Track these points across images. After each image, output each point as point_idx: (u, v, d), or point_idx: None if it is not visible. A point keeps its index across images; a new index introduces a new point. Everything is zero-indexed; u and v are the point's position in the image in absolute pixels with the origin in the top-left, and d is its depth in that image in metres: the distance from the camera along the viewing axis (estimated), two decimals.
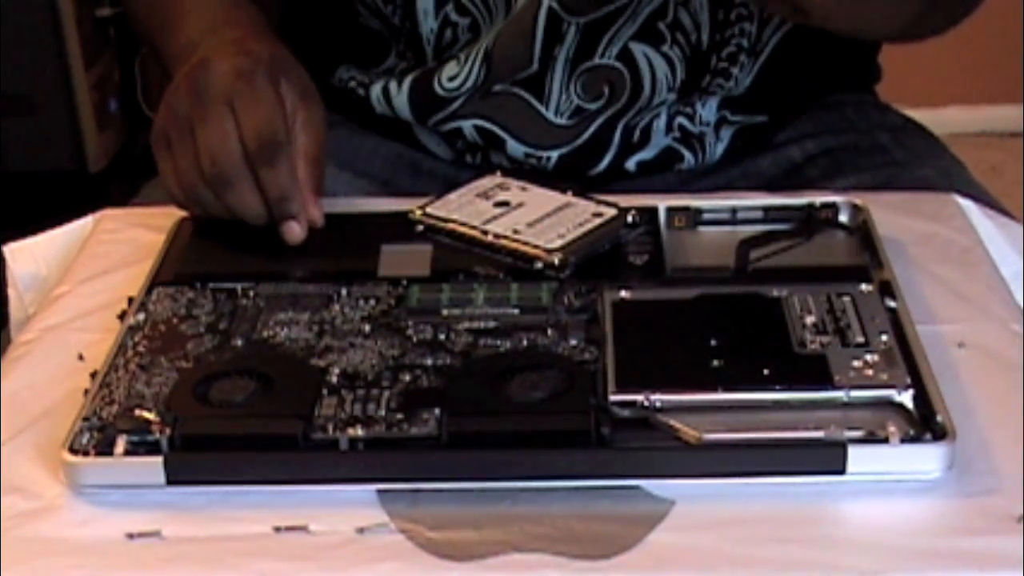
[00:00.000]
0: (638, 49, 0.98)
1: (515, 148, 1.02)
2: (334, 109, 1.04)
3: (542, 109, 1.00)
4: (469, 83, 0.99)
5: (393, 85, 1.02)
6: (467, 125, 1.02)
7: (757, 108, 1.04)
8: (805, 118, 1.06)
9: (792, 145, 1.05)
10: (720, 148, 1.04)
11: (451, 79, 1.00)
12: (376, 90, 1.03)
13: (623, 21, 0.98)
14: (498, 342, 0.75)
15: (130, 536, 0.65)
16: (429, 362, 0.74)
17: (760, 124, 1.05)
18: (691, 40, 0.98)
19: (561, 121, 1.01)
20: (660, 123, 1.02)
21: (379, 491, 0.67)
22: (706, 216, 0.88)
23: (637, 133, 1.02)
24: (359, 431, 0.68)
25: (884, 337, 0.73)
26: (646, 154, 1.03)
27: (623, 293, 0.79)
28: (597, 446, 0.67)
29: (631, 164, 1.03)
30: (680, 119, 1.02)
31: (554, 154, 1.02)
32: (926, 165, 1.03)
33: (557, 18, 0.97)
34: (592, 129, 1.01)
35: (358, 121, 1.06)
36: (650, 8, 0.97)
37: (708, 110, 1.02)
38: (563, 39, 0.98)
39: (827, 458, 0.67)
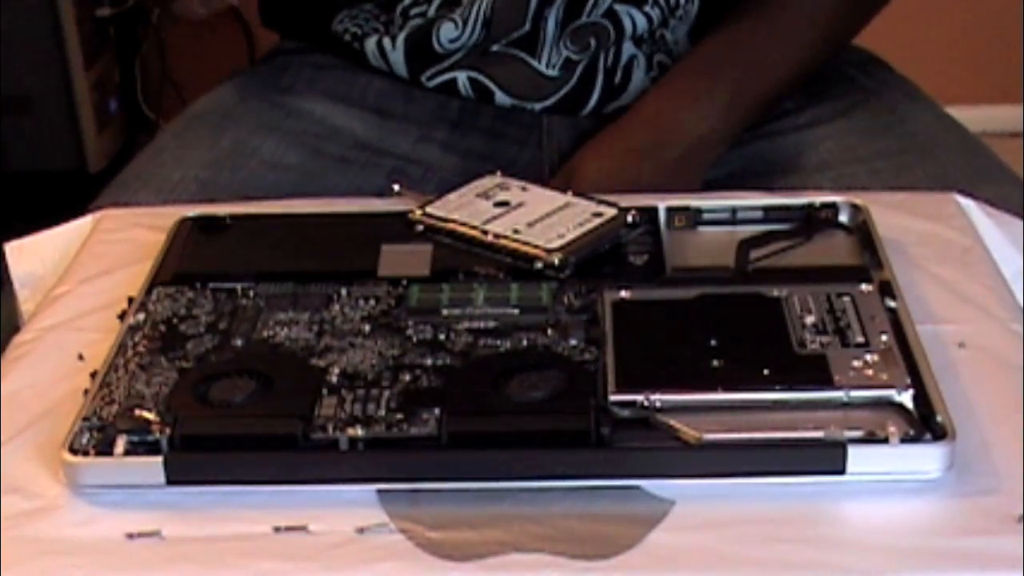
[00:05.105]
0: (622, 9, 1.03)
1: (502, 99, 1.06)
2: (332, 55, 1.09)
3: (534, 63, 1.05)
4: (468, 42, 1.04)
5: (387, 41, 1.05)
6: (461, 76, 1.06)
7: None
8: None
9: None
10: None
11: (452, 40, 1.04)
12: (371, 44, 1.06)
13: None
14: (498, 342, 0.75)
15: (130, 536, 0.65)
16: (429, 362, 0.74)
17: None
18: (671, 3, 1.03)
19: (552, 73, 1.05)
20: (640, 62, 1.06)
21: (379, 491, 0.67)
22: (706, 216, 0.88)
23: (619, 75, 1.06)
24: (359, 431, 0.68)
25: (884, 337, 0.73)
26: (625, 99, 1.06)
27: (623, 293, 0.79)
28: (597, 446, 0.67)
29: (610, 111, 1.07)
30: (659, 56, 1.06)
31: (537, 105, 1.06)
32: (893, 91, 1.10)
33: None
34: (576, 76, 1.05)
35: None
36: None
37: (682, 44, 1.07)
38: (553, 1, 1.02)
39: (827, 458, 0.67)
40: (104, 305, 0.83)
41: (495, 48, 1.05)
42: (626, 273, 0.82)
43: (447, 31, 1.04)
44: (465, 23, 1.03)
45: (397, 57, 1.06)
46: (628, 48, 1.05)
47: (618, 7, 1.03)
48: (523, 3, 1.03)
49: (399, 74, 1.07)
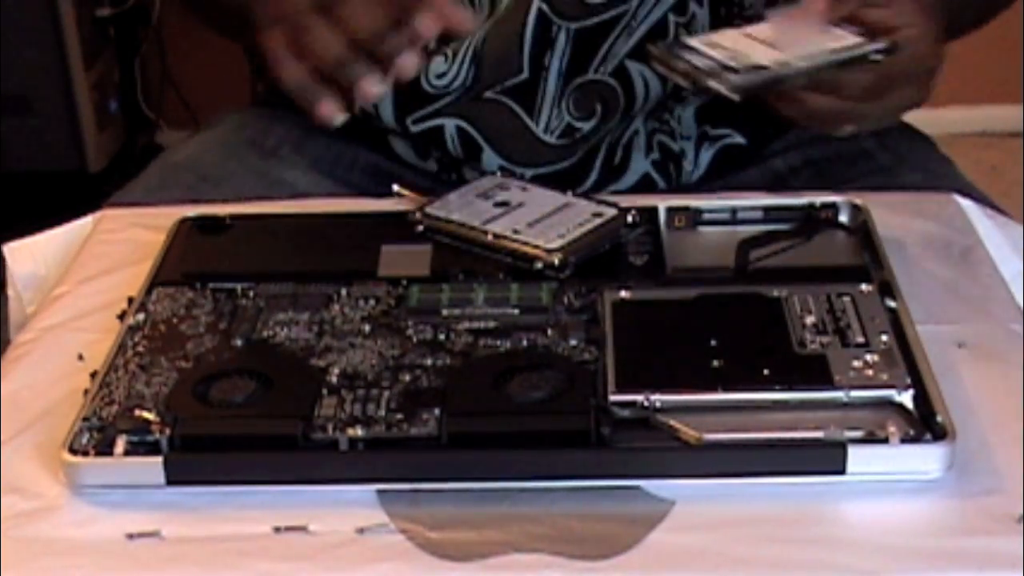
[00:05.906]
0: (635, 68, 0.98)
1: (491, 160, 1.00)
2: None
3: (531, 124, 1.00)
4: (457, 82, 0.99)
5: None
6: (450, 124, 1.00)
7: (735, 121, 1.02)
8: (788, 129, 1.05)
9: (775, 157, 1.04)
10: (697, 175, 1.03)
11: (439, 76, 0.99)
12: None
13: (617, 34, 0.97)
14: (498, 342, 0.75)
15: (130, 536, 0.65)
16: (429, 362, 0.74)
17: (740, 146, 1.04)
18: None
19: (551, 140, 1.00)
20: (640, 141, 1.01)
21: (379, 491, 0.67)
22: (706, 216, 0.88)
23: (619, 153, 1.01)
24: (359, 431, 0.68)
25: (884, 337, 0.73)
26: (623, 184, 1.02)
27: (623, 293, 0.79)
28: (597, 446, 0.67)
29: (606, 194, 1.00)
30: (660, 136, 1.01)
31: (528, 172, 1.00)
32: (914, 169, 1.02)
33: (547, 21, 0.96)
34: (576, 155, 1.00)
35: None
36: (647, 26, 0.97)
37: (686, 123, 1.02)
38: (554, 46, 0.97)
39: (827, 458, 0.67)
40: (104, 305, 0.83)
41: (488, 95, 0.99)
42: (626, 273, 0.82)
43: (436, 65, 0.98)
44: (455, 56, 0.98)
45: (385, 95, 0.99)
46: (635, 122, 1.00)
47: (630, 64, 0.97)
48: (518, 43, 0.97)
49: (385, 118, 1.01)
